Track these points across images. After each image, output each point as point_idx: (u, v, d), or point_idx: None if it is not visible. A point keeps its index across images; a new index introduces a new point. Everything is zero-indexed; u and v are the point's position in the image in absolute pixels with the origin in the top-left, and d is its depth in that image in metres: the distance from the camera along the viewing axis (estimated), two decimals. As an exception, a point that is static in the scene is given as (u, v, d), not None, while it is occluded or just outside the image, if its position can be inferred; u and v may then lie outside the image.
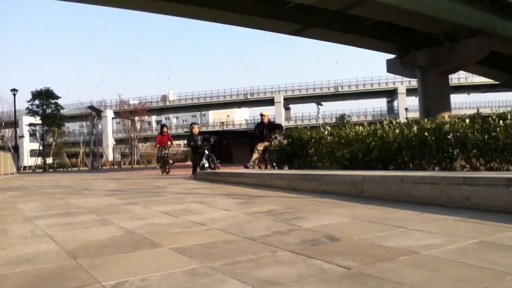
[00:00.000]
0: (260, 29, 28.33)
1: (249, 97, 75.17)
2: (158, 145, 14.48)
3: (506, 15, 27.19)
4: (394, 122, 6.98)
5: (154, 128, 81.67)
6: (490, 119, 5.45)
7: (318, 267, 2.07)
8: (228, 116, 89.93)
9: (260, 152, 10.68)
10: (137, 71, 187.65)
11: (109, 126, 72.99)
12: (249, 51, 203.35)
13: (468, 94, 72.77)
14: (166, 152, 14.22)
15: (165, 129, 14.75)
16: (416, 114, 40.35)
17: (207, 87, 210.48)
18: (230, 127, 75.32)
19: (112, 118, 73.21)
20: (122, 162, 53.94)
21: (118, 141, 71.70)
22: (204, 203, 4.92)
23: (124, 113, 59.06)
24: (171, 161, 14.98)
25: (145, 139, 67.58)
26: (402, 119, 7.66)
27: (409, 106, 66.00)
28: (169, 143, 14.40)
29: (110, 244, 2.79)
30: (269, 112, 12.02)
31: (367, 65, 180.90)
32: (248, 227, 3.20)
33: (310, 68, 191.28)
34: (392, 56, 32.03)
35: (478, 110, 6.28)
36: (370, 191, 4.64)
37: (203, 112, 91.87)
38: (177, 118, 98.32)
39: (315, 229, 3.01)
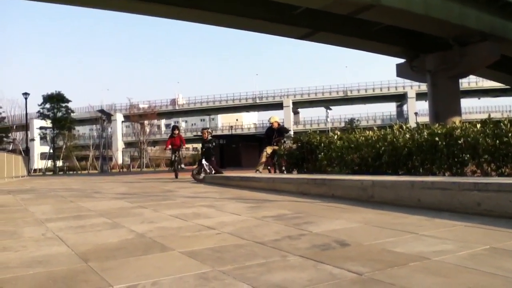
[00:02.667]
0: (269, 33, 28.40)
1: (258, 101, 75.27)
2: (167, 148, 13.71)
3: (517, 19, 26.99)
4: (404, 127, 6.95)
5: (163, 132, 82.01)
6: (501, 124, 5.40)
7: (328, 272, 2.07)
8: (237, 120, 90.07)
9: (268, 155, 10.74)
10: (147, 75, 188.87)
11: (119, 130, 73.51)
12: (258, 55, 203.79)
13: (479, 98, 72.20)
14: (178, 155, 13.42)
15: (176, 131, 13.68)
16: (426, 119, 40.14)
17: (216, 91, 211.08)
18: (239, 131, 75.43)
19: (122, 121, 73.75)
20: (131, 166, 54.27)
21: (128, 145, 72.18)
22: (213, 207, 4.93)
23: (134, 116, 59.41)
24: (182, 166, 13.84)
25: (154, 143, 67.90)
26: (411, 123, 7.63)
27: (418, 111, 65.72)
28: (181, 144, 13.34)
29: (121, 247, 2.80)
30: (278, 117, 12.10)
31: (377, 69, 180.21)
32: (258, 231, 3.20)
33: (319, 72, 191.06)
34: (401, 60, 31.90)
35: (489, 115, 6.23)
36: (380, 196, 4.62)
37: (212, 116, 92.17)
38: (186, 121, 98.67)
39: (325, 234, 3.01)
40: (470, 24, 24.65)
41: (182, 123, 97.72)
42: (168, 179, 12.65)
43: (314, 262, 2.25)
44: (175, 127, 14.18)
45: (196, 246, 2.73)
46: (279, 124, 11.41)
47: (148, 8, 22.25)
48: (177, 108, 78.93)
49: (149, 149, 67.15)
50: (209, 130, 12.80)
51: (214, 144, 12.32)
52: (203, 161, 11.51)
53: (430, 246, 2.53)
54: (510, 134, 5.20)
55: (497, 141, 5.31)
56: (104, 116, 43.82)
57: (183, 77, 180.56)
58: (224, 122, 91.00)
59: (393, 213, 3.86)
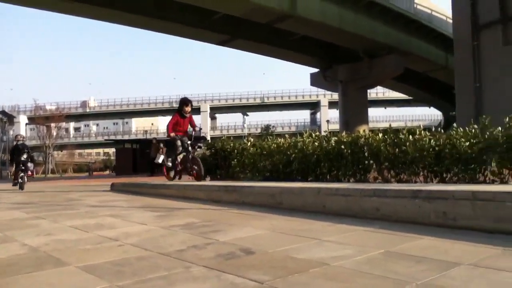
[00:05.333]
0: (187, 37, 28.19)
1: (174, 105, 73.94)
2: (171, 134, 8.19)
3: (420, 35, 29.43)
4: (313, 134, 7.18)
5: (71, 135, 77.81)
6: (400, 134, 5.79)
7: (230, 282, 2.05)
8: (152, 124, 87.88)
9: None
10: (57, 77, 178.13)
11: (22, 133, 68.33)
12: (176, 59, 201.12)
13: (385, 108, 77.63)
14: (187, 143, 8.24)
15: (188, 108, 8.39)
16: (337, 126, 42.13)
17: (131, 95, 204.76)
18: (154, 136, 73.70)
19: (26, 124, 68.71)
20: (35, 171, 50.77)
21: (32, 149, 67.34)
22: (119, 216, 4.71)
23: (40, 119, 55.71)
24: (169, 163, 8.97)
25: (62, 147, 64.14)
26: (324, 131, 7.93)
27: (330, 118, 68.86)
28: (190, 128, 8.48)
29: (11, 263, 2.57)
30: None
31: (294, 77, 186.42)
32: (164, 241, 3.11)
33: (237, 78, 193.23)
34: (316, 70, 33.27)
35: (390, 124, 6.66)
36: (288, 202, 4.72)
37: (125, 120, 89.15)
38: (97, 125, 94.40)
39: (232, 242, 2.99)
40: (379, 38, 26.44)
41: (93, 126, 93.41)
42: (74, 186, 11.95)
43: (217, 272, 2.22)
44: (187, 101, 8.52)
45: (95, 260, 2.58)
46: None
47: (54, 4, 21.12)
48: (88, 111, 75.23)
49: (56, 154, 63.30)
50: (19, 137, 12.68)
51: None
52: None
53: (331, 252, 2.61)
54: (408, 143, 5.59)
55: (397, 150, 5.68)
56: (5, 118, 40.60)
57: (97, 81, 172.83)
58: (138, 126, 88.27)
59: (300, 219, 3.95)
